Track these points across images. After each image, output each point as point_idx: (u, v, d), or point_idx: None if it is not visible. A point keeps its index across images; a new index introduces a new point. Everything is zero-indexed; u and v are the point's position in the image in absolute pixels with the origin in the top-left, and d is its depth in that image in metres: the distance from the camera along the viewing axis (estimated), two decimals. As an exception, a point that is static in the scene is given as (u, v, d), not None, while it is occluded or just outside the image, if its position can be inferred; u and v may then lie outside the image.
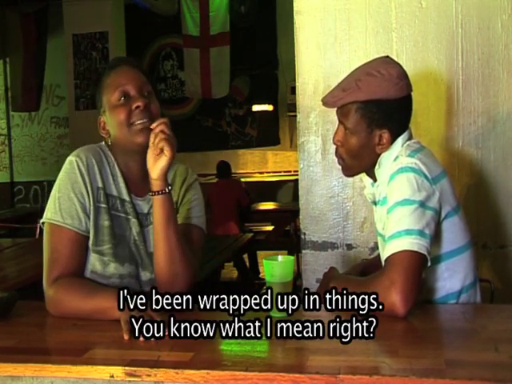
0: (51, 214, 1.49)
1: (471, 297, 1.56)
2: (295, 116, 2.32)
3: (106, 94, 1.53)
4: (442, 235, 1.50)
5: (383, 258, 1.42)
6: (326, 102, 1.60)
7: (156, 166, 1.42)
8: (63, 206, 1.48)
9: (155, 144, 1.41)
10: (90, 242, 1.49)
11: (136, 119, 1.47)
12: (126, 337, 1.24)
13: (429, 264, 1.40)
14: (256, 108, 7.77)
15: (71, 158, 1.51)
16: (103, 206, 1.51)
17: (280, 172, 7.65)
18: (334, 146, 1.61)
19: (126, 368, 1.10)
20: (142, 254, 1.55)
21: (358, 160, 1.58)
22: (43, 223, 1.51)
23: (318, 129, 2.26)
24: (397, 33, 2.17)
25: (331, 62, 2.22)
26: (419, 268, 1.37)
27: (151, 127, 1.43)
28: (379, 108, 1.51)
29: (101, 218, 1.50)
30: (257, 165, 8.00)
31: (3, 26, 7.25)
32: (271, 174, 7.86)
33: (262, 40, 7.49)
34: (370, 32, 2.19)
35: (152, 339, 1.23)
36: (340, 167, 1.66)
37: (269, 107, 7.76)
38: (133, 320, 1.26)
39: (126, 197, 1.54)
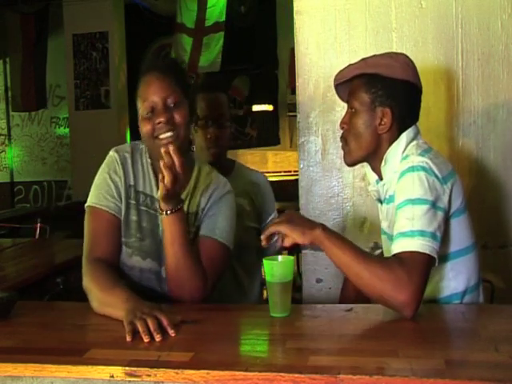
0: (91, 198, 1.61)
1: (474, 298, 1.56)
2: (295, 116, 2.32)
3: (138, 101, 1.59)
4: (450, 234, 1.50)
5: (392, 251, 1.40)
6: (337, 79, 1.66)
7: (159, 189, 1.46)
8: (101, 190, 1.60)
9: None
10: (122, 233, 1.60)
11: (159, 133, 1.54)
12: (128, 338, 1.24)
13: (436, 265, 1.40)
14: (256, 108, 7.75)
15: (111, 153, 1.64)
16: (133, 202, 1.61)
17: (280, 172, 7.65)
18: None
19: (126, 368, 1.10)
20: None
21: (360, 141, 1.58)
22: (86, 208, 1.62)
23: (317, 129, 2.25)
24: (397, 33, 2.17)
25: (331, 62, 2.22)
26: (429, 271, 1.37)
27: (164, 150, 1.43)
28: (383, 84, 1.55)
29: (130, 212, 1.60)
30: (257, 165, 7.98)
31: (3, 26, 7.24)
32: (271, 174, 7.84)
33: (261, 40, 7.48)
34: (369, 32, 2.19)
35: (155, 339, 1.23)
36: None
37: (269, 107, 7.75)
38: (136, 322, 1.26)
39: (155, 195, 1.61)
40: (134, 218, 1.60)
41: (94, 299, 1.46)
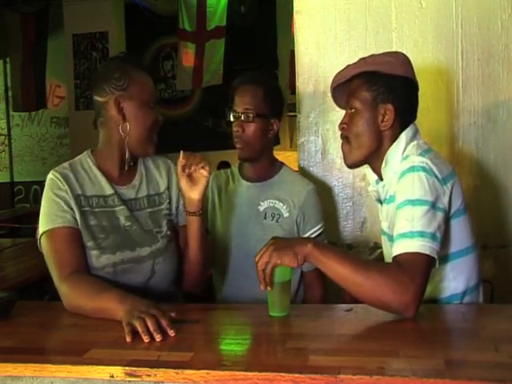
0: (43, 226, 1.57)
1: (474, 298, 1.56)
2: (295, 116, 2.32)
3: (139, 85, 1.62)
4: (450, 235, 1.50)
5: (393, 253, 1.39)
6: (336, 80, 1.65)
7: (196, 189, 1.60)
8: (51, 211, 1.57)
9: (196, 171, 1.60)
10: (83, 240, 1.57)
11: (156, 130, 1.66)
12: (128, 339, 1.24)
13: (437, 266, 1.40)
14: (256, 108, 7.73)
15: (50, 176, 1.63)
16: (86, 208, 1.61)
17: (280, 172, 7.62)
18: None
19: (126, 368, 1.10)
20: (137, 234, 1.63)
21: (363, 139, 1.57)
22: (40, 240, 1.58)
23: (317, 129, 2.26)
24: (397, 33, 2.17)
25: (331, 61, 2.22)
26: (430, 272, 1.36)
27: (182, 160, 1.59)
28: (384, 81, 1.55)
29: (88, 219, 1.60)
30: (257, 165, 7.96)
31: (3, 26, 7.24)
32: (271, 174, 7.80)
33: (261, 40, 7.48)
34: (370, 32, 2.19)
35: (156, 340, 1.23)
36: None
37: (269, 107, 7.73)
38: (134, 322, 1.26)
39: (108, 191, 1.65)
40: (92, 222, 1.60)
41: (86, 311, 1.43)
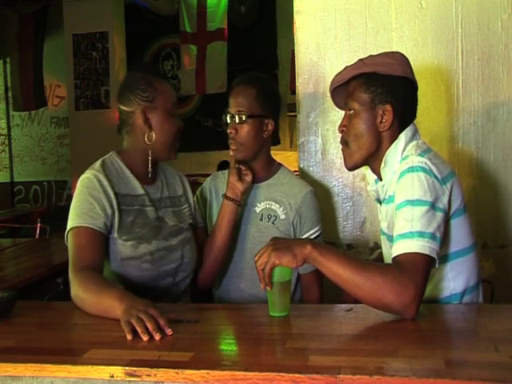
0: (73, 221, 1.61)
1: (473, 298, 1.56)
2: (295, 116, 2.32)
3: (163, 95, 1.72)
4: (450, 235, 1.50)
5: (392, 254, 1.39)
6: (334, 82, 1.65)
7: (241, 182, 1.86)
8: (83, 210, 1.62)
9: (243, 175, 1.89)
10: (116, 235, 1.65)
11: (179, 137, 1.77)
12: (129, 337, 1.25)
13: (437, 266, 1.40)
14: (256, 108, 7.72)
15: (87, 175, 1.67)
16: (124, 207, 1.68)
17: (280, 172, 7.59)
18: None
19: (126, 368, 1.10)
20: (166, 229, 1.75)
21: (362, 141, 1.57)
22: (67, 235, 1.62)
23: (317, 129, 2.26)
24: (397, 33, 2.17)
25: (331, 61, 2.22)
26: (429, 271, 1.36)
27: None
28: (383, 82, 1.55)
29: (123, 217, 1.67)
30: (257, 165, 7.95)
31: (3, 26, 7.25)
32: (271, 174, 7.78)
33: (261, 40, 7.48)
34: (369, 32, 2.19)
35: (155, 339, 1.23)
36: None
37: (269, 107, 7.72)
38: (133, 321, 1.26)
39: (139, 191, 1.74)
40: (129, 219, 1.68)
41: (86, 305, 1.46)
